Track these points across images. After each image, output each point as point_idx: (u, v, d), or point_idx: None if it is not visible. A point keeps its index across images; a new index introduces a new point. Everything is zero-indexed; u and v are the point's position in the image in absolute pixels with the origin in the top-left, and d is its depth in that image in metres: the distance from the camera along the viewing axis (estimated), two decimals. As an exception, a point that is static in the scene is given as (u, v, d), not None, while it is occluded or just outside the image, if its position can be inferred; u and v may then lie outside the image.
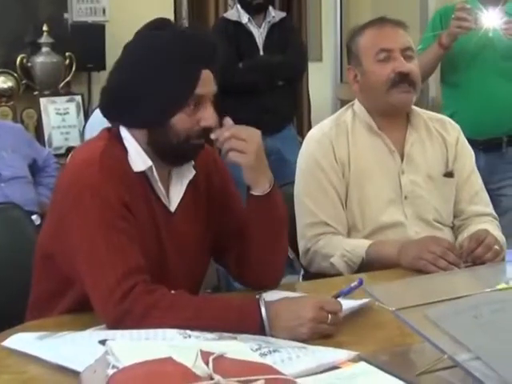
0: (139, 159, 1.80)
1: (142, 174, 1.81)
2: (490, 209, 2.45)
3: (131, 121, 1.81)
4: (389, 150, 2.36)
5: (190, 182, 1.89)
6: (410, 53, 2.34)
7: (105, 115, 1.88)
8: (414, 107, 2.42)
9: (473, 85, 3.27)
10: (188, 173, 1.88)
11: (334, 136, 2.35)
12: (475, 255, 2.11)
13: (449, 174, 2.40)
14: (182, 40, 1.78)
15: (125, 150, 1.81)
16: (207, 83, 1.79)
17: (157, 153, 1.81)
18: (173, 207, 1.86)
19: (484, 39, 3.18)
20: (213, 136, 1.82)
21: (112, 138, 1.83)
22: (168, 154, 1.82)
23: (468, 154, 2.47)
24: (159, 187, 1.83)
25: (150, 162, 1.81)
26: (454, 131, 2.46)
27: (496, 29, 3.16)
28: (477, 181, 2.46)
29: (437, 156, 2.40)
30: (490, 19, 3.14)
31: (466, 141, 2.48)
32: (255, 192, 1.87)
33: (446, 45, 3.18)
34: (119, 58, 1.85)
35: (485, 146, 3.25)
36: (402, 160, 2.36)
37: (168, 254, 1.84)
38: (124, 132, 1.82)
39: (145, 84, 1.76)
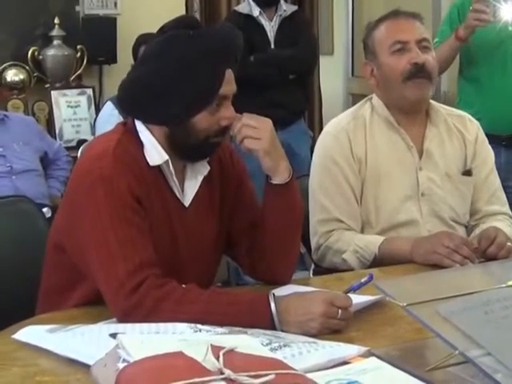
0: (155, 153, 1.80)
1: (157, 167, 1.81)
2: (506, 208, 2.42)
3: (153, 117, 1.80)
4: (407, 145, 2.33)
5: (205, 177, 1.89)
6: (426, 43, 2.31)
7: (123, 109, 1.87)
8: (433, 102, 2.39)
9: (493, 78, 3.24)
10: (203, 168, 1.88)
11: (351, 130, 2.32)
12: (488, 254, 2.09)
13: (467, 173, 2.37)
14: (212, 41, 1.78)
15: (140, 144, 1.81)
16: (230, 83, 1.80)
17: (174, 149, 1.81)
18: (187, 202, 1.86)
19: (503, 32, 3.15)
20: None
21: (127, 131, 1.83)
22: (186, 150, 1.82)
23: (487, 152, 2.43)
24: (174, 181, 1.84)
25: (166, 156, 1.81)
26: (473, 128, 2.42)
27: None
28: (495, 180, 2.42)
29: (455, 153, 2.37)
30: (509, 12, 3.11)
31: (486, 138, 2.44)
32: (275, 181, 1.87)
33: (463, 37, 3.15)
34: (144, 54, 1.84)
35: (508, 141, 3.21)
36: (420, 156, 2.33)
37: (181, 249, 1.85)
38: (140, 126, 1.82)
39: (172, 82, 1.75)
